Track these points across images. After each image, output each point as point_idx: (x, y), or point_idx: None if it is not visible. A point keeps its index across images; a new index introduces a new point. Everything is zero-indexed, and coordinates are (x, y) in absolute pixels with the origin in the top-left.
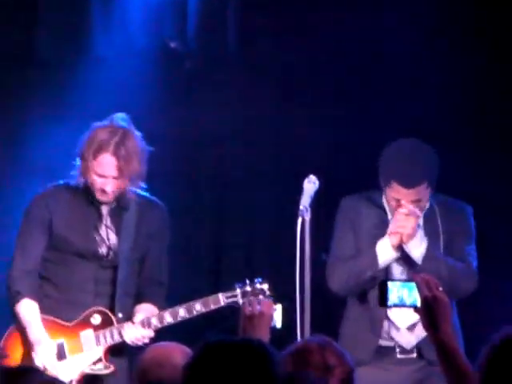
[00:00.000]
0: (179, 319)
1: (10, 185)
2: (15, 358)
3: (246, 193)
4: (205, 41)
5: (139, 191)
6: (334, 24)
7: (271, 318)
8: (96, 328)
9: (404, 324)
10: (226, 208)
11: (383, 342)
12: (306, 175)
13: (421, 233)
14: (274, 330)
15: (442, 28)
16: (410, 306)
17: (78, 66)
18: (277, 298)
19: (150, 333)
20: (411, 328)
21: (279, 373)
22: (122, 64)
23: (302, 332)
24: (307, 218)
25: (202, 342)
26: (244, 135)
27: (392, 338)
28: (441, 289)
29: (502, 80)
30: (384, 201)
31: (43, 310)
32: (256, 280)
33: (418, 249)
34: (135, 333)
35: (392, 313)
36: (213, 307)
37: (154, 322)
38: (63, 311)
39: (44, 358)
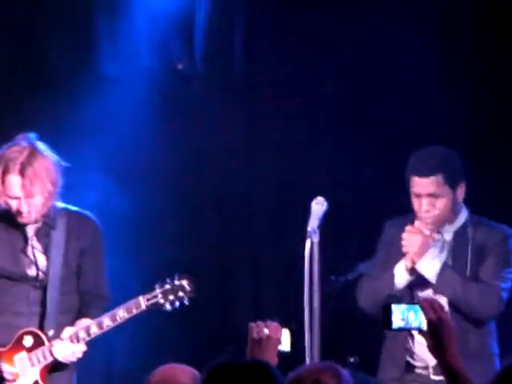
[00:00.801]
0: (105, 328)
1: None
2: None
3: (251, 215)
4: (211, 63)
5: (69, 206)
6: (339, 44)
7: (278, 341)
8: (29, 350)
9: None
10: (231, 229)
11: (412, 361)
12: (313, 197)
13: (433, 251)
14: (282, 352)
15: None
16: (415, 329)
17: (86, 86)
18: (284, 321)
19: (81, 347)
20: None
21: None
22: (129, 84)
23: (312, 354)
24: (315, 239)
25: (209, 366)
26: (248, 156)
27: (418, 356)
28: (446, 310)
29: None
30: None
31: None
32: (175, 277)
33: (429, 267)
34: (65, 349)
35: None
36: (135, 311)
37: (82, 335)
38: (0, 335)
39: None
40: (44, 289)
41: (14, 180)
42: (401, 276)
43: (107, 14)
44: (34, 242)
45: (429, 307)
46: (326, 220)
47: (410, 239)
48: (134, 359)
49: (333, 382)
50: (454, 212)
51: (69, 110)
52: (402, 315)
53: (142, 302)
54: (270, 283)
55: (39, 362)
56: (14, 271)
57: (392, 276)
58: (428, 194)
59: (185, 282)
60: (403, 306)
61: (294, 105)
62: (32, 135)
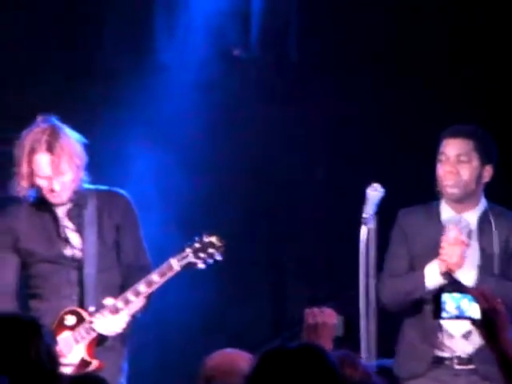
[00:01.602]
0: (143, 295)
1: None
2: None
3: (306, 201)
4: (267, 49)
5: (98, 186)
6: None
7: (334, 327)
8: (71, 328)
9: (459, 331)
10: (287, 215)
11: (440, 353)
12: (368, 183)
13: (471, 260)
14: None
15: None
16: (467, 319)
17: (141, 74)
18: (339, 308)
19: (123, 317)
20: (467, 335)
21: (339, 377)
22: (185, 71)
23: (368, 341)
24: (372, 226)
25: (263, 350)
26: (304, 144)
27: (448, 348)
28: (498, 300)
29: None
30: (441, 211)
31: None
32: (204, 235)
33: (467, 277)
34: (106, 322)
35: (445, 322)
36: (169, 274)
37: (120, 305)
38: (45, 320)
39: None
40: (81, 268)
41: (42, 158)
42: (433, 278)
43: (165, 2)
44: (65, 222)
45: (481, 297)
46: (382, 206)
47: (450, 250)
48: (190, 342)
49: (350, 370)
50: (476, 192)
51: (125, 98)
52: (456, 304)
53: (174, 263)
54: (325, 270)
55: (83, 338)
56: (52, 254)
57: (422, 276)
58: (456, 154)
59: (214, 239)
60: (457, 295)
61: (348, 91)
62: (48, 116)
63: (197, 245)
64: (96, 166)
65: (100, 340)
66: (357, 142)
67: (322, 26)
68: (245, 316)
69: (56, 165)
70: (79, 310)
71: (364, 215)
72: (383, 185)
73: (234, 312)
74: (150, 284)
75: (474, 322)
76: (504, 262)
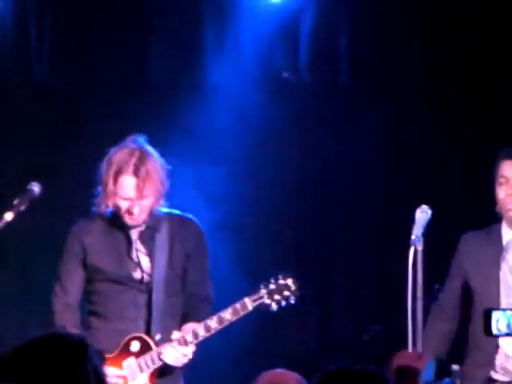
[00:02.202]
0: (213, 331)
1: None
2: None
3: (354, 222)
4: (317, 72)
5: (172, 211)
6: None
7: (419, 371)
8: (136, 355)
9: None
10: (334, 236)
11: (497, 377)
12: (417, 205)
13: None
14: (381, 357)
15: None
16: None
17: (190, 93)
18: (388, 330)
19: (190, 349)
20: None
21: None
22: (234, 92)
23: None
24: (419, 247)
25: (322, 370)
26: (354, 165)
27: (505, 370)
28: None
29: None
30: (502, 234)
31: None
32: (279, 276)
33: None
34: (174, 353)
35: (503, 341)
36: (242, 313)
37: (189, 338)
38: (106, 341)
39: None
40: (149, 292)
41: (128, 181)
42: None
43: (214, 23)
44: (138, 244)
45: None
46: (430, 228)
47: None
48: (237, 363)
49: None
50: None
51: (173, 118)
52: (507, 321)
53: (248, 303)
54: (372, 291)
55: (148, 367)
56: (120, 275)
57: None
58: None
59: (290, 281)
60: (508, 312)
61: (397, 113)
62: (140, 138)
63: (272, 286)
64: None
65: (163, 368)
66: (407, 165)
67: (373, 50)
68: (292, 339)
69: (140, 189)
70: (146, 337)
71: (412, 236)
72: (432, 207)
73: (281, 336)
74: (221, 321)
75: None
76: None
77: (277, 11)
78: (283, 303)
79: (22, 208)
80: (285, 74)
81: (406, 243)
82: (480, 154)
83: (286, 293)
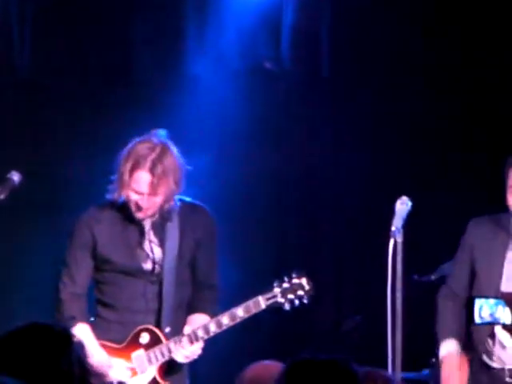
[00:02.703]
0: (224, 327)
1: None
2: None
3: (335, 213)
4: (299, 62)
5: (183, 198)
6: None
7: None
8: (146, 347)
9: (511, 343)
10: (315, 226)
11: (492, 364)
12: (397, 197)
13: None
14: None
15: None
16: (502, 324)
17: (172, 84)
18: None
19: (199, 345)
20: None
21: None
22: (216, 83)
23: (393, 354)
24: (399, 239)
25: (289, 360)
26: (337, 155)
27: (498, 359)
28: None
29: None
30: (511, 222)
31: (94, 332)
32: (293, 275)
33: None
34: (183, 351)
35: (499, 329)
36: (254, 311)
37: (200, 333)
38: (115, 332)
39: (121, 378)
40: (160, 283)
41: (143, 176)
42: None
43: (196, 13)
44: (151, 236)
45: None
46: (410, 219)
47: None
48: (220, 357)
49: None
50: None
51: (154, 109)
52: (490, 310)
53: (262, 301)
54: (352, 283)
55: (157, 359)
56: (130, 266)
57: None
58: None
59: (304, 281)
60: (491, 301)
61: (380, 103)
62: (163, 132)
63: (286, 285)
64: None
65: (171, 362)
66: (388, 156)
67: (354, 40)
68: (271, 329)
69: (153, 186)
70: (156, 330)
71: (392, 228)
72: (413, 199)
73: (261, 327)
74: (233, 318)
75: (505, 326)
76: None
77: (259, 2)
78: (296, 302)
79: (2, 197)
80: (267, 64)
81: (387, 235)
82: (466, 143)
83: (300, 292)
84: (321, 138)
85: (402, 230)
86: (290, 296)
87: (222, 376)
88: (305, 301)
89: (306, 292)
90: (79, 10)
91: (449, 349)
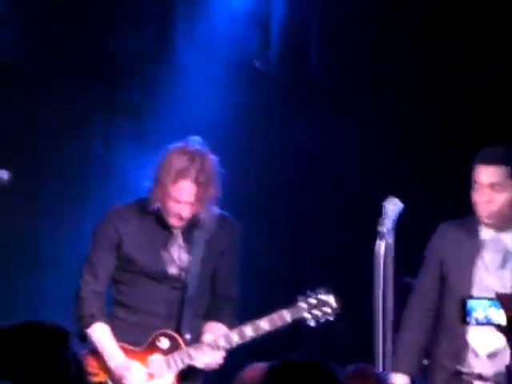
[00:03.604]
0: (247, 339)
1: (93, 198)
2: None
3: (324, 212)
4: (287, 61)
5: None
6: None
7: None
8: (164, 352)
9: (484, 351)
10: (304, 225)
11: (463, 369)
12: (387, 197)
13: (506, 283)
14: (347, 348)
15: None
16: (495, 325)
17: (159, 76)
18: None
19: (221, 354)
20: (492, 356)
21: None
22: (204, 77)
23: (384, 356)
24: (390, 240)
25: (269, 364)
26: (325, 155)
27: (471, 366)
28: None
29: None
30: (479, 229)
31: (112, 332)
32: (320, 291)
33: None
34: (205, 358)
35: (473, 337)
36: (280, 324)
37: (222, 343)
38: (132, 334)
39: (138, 382)
40: (183, 289)
41: (187, 186)
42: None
43: (186, 6)
44: (180, 241)
45: (509, 303)
46: (400, 220)
47: None
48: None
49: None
50: None
51: (140, 100)
52: (483, 311)
53: (287, 315)
54: (341, 284)
55: (176, 365)
56: (154, 270)
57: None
58: (490, 183)
59: (331, 299)
60: (484, 302)
61: (367, 105)
62: (197, 139)
63: (313, 301)
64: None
65: (191, 369)
66: (377, 156)
67: (344, 41)
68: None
69: (198, 196)
70: (176, 335)
71: (380, 229)
72: (404, 199)
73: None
74: (257, 329)
75: (499, 328)
76: None
77: None
78: (322, 320)
79: None
80: (256, 63)
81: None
82: (452, 145)
83: (327, 309)
84: (307, 136)
85: (392, 232)
86: (316, 312)
87: (219, 377)
88: (330, 318)
89: (333, 310)
90: None
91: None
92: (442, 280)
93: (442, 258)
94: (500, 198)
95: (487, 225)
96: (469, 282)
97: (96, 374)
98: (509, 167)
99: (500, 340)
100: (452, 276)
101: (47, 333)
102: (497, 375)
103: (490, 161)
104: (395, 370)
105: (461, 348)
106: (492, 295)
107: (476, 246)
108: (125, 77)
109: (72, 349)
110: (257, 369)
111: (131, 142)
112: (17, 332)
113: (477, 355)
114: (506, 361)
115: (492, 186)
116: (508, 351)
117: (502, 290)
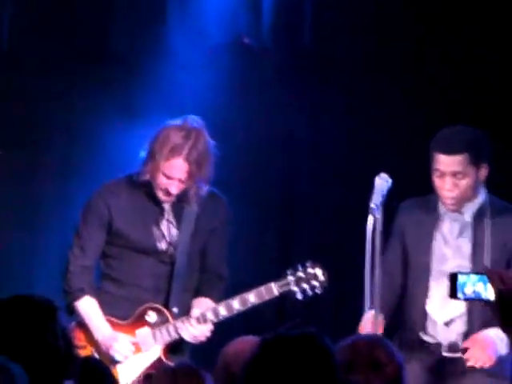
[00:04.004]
0: (235, 312)
1: (88, 179)
2: (83, 354)
3: (315, 189)
4: (280, 38)
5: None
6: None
7: None
8: (152, 326)
9: (441, 319)
10: (296, 201)
11: (427, 338)
12: (376, 173)
13: (462, 253)
14: (338, 322)
15: None
16: (483, 300)
17: (151, 59)
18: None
19: (208, 327)
20: (448, 324)
21: (336, 364)
22: (195, 58)
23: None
24: (378, 216)
25: (261, 338)
26: (316, 133)
27: (431, 336)
28: None
29: None
30: (439, 205)
31: (100, 306)
32: (308, 264)
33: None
34: (192, 330)
35: (430, 307)
36: (267, 298)
37: (210, 316)
38: (120, 308)
39: (125, 352)
40: (171, 264)
41: (178, 163)
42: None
43: None
44: (170, 216)
45: (498, 278)
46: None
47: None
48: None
49: (385, 355)
50: (474, 192)
51: (132, 84)
52: (472, 285)
53: (274, 288)
54: (330, 259)
55: (163, 339)
56: (144, 244)
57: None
58: (452, 172)
59: (319, 272)
60: (473, 277)
61: (359, 81)
62: (196, 118)
63: (300, 274)
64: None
65: (177, 343)
66: (369, 131)
67: (338, 16)
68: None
69: (188, 174)
70: (163, 309)
71: (371, 205)
72: (393, 175)
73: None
74: (244, 303)
75: (488, 303)
76: (497, 261)
77: None
78: (309, 293)
79: None
80: (245, 40)
81: (366, 211)
82: (441, 121)
83: (314, 282)
84: (300, 113)
85: (380, 207)
86: (304, 285)
87: (204, 352)
88: (318, 291)
89: (320, 283)
90: None
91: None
92: (405, 255)
93: (404, 234)
94: (462, 184)
95: (451, 210)
96: (428, 255)
97: (83, 347)
98: (470, 153)
99: (456, 309)
100: (412, 251)
101: (36, 306)
102: (454, 342)
103: (451, 150)
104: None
105: (421, 319)
106: (450, 266)
107: (434, 220)
108: (115, 57)
109: (61, 323)
110: (243, 342)
111: (119, 116)
112: (5, 305)
113: (434, 324)
114: (463, 329)
115: (454, 174)
116: (464, 319)
117: (459, 260)
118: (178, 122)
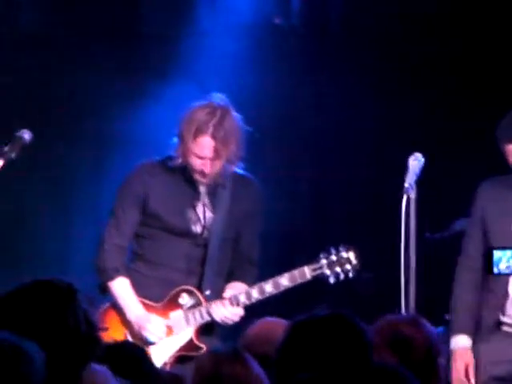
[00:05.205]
0: (267, 295)
1: (108, 159)
2: (116, 336)
3: (347, 170)
4: (309, 18)
5: (236, 169)
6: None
7: None
8: (185, 308)
9: None
10: (327, 184)
11: (506, 320)
12: (410, 153)
13: None
14: (373, 304)
15: None
16: None
17: (181, 40)
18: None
19: (240, 311)
20: None
21: (369, 343)
22: (225, 39)
23: (407, 312)
24: (412, 195)
25: (292, 320)
26: (345, 112)
27: (510, 315)
28: None
29: None
30: None
31: (132, 286)
32: (341, 248)
33: None
34: (224, 311)
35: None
36: (299, 281)
37: (242, 299)
38: (151, 288)
39: (158, 334)
40: (205, 247)
41: (206, 141)
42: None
43: None
44: (206, 200)
45: None
46: (423, 176)
47: None
48: None
49: (411, 330)
50: None
51: (163, 64)
52: (507, 261)
53: (307, 271)
54: (364, 240)
55: (195, 321)
56: (179, 226)
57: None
58: None
59: (352, 255)
60: (508, 253)
61: (388, 62)
62: (222, 96)
63: (333, 257)
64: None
65: (209, 326)
66: (400, 112)
67: None
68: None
69: (217, 150)
70: (197, 291)
71: (405, 185)
72: (426, 154)
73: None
74: (277, 286)
75: None
76: None
77: None
78: (342, 276)
79: (13, 156)
80: (276, 20)
81: (400, 191)
82: (473, 103)
83: (347, 266)
84: (330, 94)
85: (415, 186)
86: (337, 269)
87: (227, 332)
88: (350, 275)
89: (353, 266)
90: None
91: (463, 343)
92: (486, 236)
93: (485, 215)
94: None
95: None
96: (509, 233)
97: (115, 329)
98: None
99: None
100: (493, 229)
101: (56, 290)
102: None
103: None
104: (457, 330)
105: (502, 298)
106: None
107: None
108: (147, 41)
109: (82, 305)
110: (265, 324)
111: (154, 104)
112: (26, 290)
113: None
114: None
115: None
116: None
117: None
118: (203, 101)
